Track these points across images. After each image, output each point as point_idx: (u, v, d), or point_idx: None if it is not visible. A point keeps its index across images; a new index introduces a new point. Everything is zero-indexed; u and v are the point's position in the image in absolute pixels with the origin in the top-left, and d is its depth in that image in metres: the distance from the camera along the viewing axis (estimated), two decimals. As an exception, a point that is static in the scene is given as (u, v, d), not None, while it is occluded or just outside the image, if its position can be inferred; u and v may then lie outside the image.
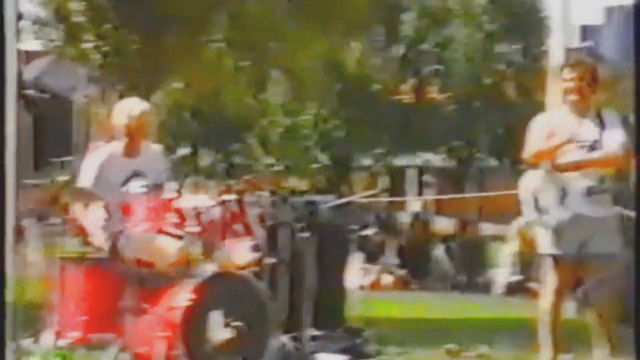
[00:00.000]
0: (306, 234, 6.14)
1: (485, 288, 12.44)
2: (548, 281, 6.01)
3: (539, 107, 9.97)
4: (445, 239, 15.44)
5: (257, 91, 22.82)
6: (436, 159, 25.68)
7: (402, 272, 13.93)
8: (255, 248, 5.98)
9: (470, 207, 20.74)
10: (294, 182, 24.79)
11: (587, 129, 5.99)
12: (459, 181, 24.44)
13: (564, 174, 5.92)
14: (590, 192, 5.86)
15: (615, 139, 5.94)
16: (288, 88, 23.50)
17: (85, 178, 6.25)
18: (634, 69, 4.71)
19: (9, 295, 4.00)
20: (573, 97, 6.02)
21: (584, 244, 5.86)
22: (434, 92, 23.94)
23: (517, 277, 12.37)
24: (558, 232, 5.88)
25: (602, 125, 5.99)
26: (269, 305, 5.81)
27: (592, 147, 5.97)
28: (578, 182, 5.90)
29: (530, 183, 6.02)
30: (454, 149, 24.54)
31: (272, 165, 23.77)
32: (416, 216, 17.14)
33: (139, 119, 6.25)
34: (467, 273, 14.25)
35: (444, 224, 16.45)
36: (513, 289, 12.23)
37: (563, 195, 5.90)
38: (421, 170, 29.17)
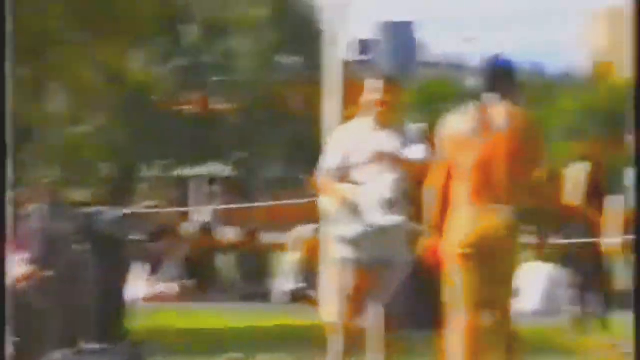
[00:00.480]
0: (85, 246, 6.03)
1: (269, 297, 12.61)
2: (341, 288, 6.16)
3: (318, 119, 10.22)
4: (231, 248, 15.53)
5: (36, 100, 22.12)
6: (223, 170, 25.80)
7: (187, 282, 13.89)
8: (32, 261, 5.82)
9: (258, 217, 20.96)
10: (76, 193, 24.20)
11: (390, 141, 6.10)
12: (245, 191, 24.64)
13: (361, 186, 6.08)
14: (385, 204, 6.04)
15: (419, 152, 6.11)
16: (69, 98, 22.93)
17: None
18: (634, 69, 4.96)
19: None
20: (376, 109, 6.13)
21: (378, 252, 6.05)
22: (218, 103, 24.03)
23: (300, 285, 12.62)
24: (353, 241, 6.06)
25: (404, 137, 6.14)
26: (46, 320, 5.67)
27: (396, 161, 6.08)
28: (373, 193, 6.07)
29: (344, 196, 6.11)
30: (239, 160, 24.74)
31: (51, 175, 23.11)
32: (202, 226, 17.14)
33: None
34: (251, 282, 14.38)
35: (230, 234, 16.55)
36: (295, 297, 12.47)
37: (359, 205, 6.05)
38: (208, 181, 29.20)
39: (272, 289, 13.02)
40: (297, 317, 9.79)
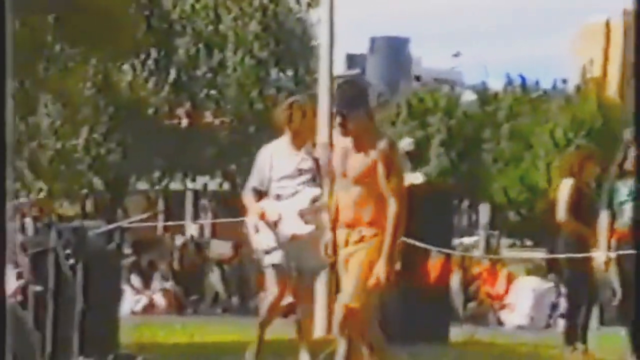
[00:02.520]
0: (73, 261, 6.02)
1: (257, 310, 12.56)
2: (268, 293, 7.09)
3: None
4: (219, 262, 15.50)
5: (26, 114, 22.08)
6: (212, 183, 25.77)
7: (176, 296, 13.87)
8: (19, 276, 5.81)
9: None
10: (66, 207, 24.13)
11: (305, 160, 6.91)
12: (234, 205, 24.59)
13: (279, 200, 6.87)
14: (302, 214, 6.78)
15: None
16: (58, 111, 22.91)
17: None
18: (634, 69, 5.19)
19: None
20: (290, 129, 6.96)
21: (298, 259, 6.87)
22: (208, 117, 24.02)
23: (289, 300, 12.59)
24: (271, 250, 6.86)
25: (314, 157, 6.94)
26: (34, 335, 5.65)
27: (312, 177, 6.90)
28: (292, 205, 6.80)
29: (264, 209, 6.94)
30: (229, 173, 24.71)
31: (41, 189, 23.05)
32: (192, 240, 17.12)
33: None
34: (240, 296, 14.37)
35: (219, 248, 16.53)
36: (285, 312, 12.43)
37: (279, 218, 6.82)
38: (197, 194, 29.15)
39: (260, 303, 12.99)
40: (286, 331, 9.77)
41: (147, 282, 14.16)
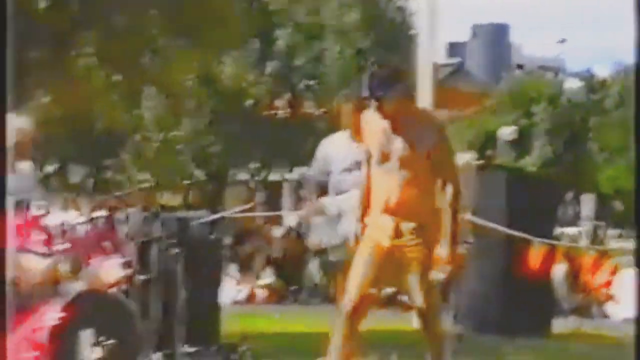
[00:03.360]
0: (177, 250, 6.10)
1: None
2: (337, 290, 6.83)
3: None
4: (319, 252, 15.53)
5: (130, 106, 22.51)
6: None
7: (277, 285, 13.96)
8: (126, 265, 5.91)
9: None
10: (168, 198, 24.55)
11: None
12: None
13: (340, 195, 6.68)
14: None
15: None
16: (162, 103, 23.29)
17: None
18: (634, 69, 5.06)
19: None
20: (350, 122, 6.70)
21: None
22: (308, 107, 24.11)
23: (390, 290, 12.53)
24: (331, 249, 6.78)
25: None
26: (139, 323, 5.74)
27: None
28: (352, 200, 6.51)
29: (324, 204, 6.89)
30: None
31: (145, 180, 23.47)
32: (291, 230, 17.20)
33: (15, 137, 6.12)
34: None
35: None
36: (386, 302, 12.38)
37: (339, 215, 6.68)
38: (298, 185, 29.32)
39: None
40: (387, 322, 9.74)
41: (247, 273, 14.29)
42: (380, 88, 5.35)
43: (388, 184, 5.40)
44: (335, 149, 6.93)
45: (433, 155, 5.33)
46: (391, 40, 23.58)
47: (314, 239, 7.06)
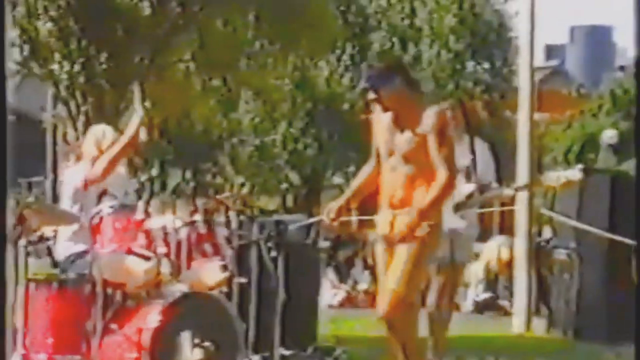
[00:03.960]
0: (275, 254, 6.13)
1: (457, 306, 12.39)
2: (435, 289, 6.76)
3: (508, 126, 10.04)
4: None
5: (227, 110, 22.78)
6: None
7: (373, 290, 13.92)
8: (225, 268, 5.96)
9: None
10: (264, 202, 24.73)
11: (463, 156, 6.63)
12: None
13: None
14: (457, 208, 6.63)
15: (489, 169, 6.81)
16: (258, 107, 23.50)
17: (65, 199, 6.23)
18: (634, 68, 5.02)
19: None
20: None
21: (452, 254, 6.66)
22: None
23: (487, 295, 12.40)
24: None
25: (473, 152, 6.77)
26: (238, 325, 5.79)
27: (467, 172, 6.75)
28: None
29: None
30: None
31: (242, 184, 23.71)
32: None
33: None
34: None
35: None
36: (483, 307, 12.25)
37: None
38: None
39: (460, 298, 12.81)
40: (485, 328, 9.63)
41: (343, 276, 14.29)
42: (378, 79, 5.24)
43: (394, 180, 5.27)
44: None
45: (429, 144, 5.15)
46: (488, 43, 23.34)
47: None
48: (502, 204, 9.94)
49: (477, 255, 12.82)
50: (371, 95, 5.28)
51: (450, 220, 6.56)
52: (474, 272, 12.48)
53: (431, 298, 6.92)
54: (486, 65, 23.51)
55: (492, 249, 12.56)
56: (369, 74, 5.39)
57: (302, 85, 23.17)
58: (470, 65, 23.40)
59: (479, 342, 8.15)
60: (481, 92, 23.08)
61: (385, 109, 5.28)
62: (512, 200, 9.31)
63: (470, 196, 6.83)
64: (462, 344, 8.04)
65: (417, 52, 23.35)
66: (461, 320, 10.59)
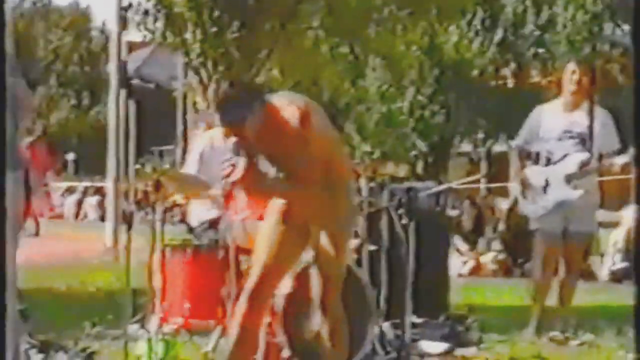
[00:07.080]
0: (405, 221, 6.09)
1: (590, 275, 12.10)
2: (539, 259, 7.17)
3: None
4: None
5: (354, 77, 22.77)
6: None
7: (503, 258, 13.73)
8: (355, 235, 5.96)
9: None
10: (391, 169, 24.68)
11: (576, 123, 6.81)
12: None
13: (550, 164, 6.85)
14: (569, 179, 6.73)
15: (610, 137, 6.84)
16: (385, 74, 23.39)
17: (190, 165, 6.32)
18: (634, 68, 4.79)
19: (10, 298, 4.03)
20: (571, 90, 6.89)
21: (567, 225, 6.84)
22: (535, 77, 23.51)
23: (624, 264, 12.05)
24: (544, 217, 6.90)
25: (591, 119, 6.81)
26: (369, 292, 5.79)
27: (582, 141, 6.79)
28: (560, 170, 6.79)
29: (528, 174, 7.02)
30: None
31: (370, 152, 23.70)
32: (516, 202, 16.85)
33: None
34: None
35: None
36: (619, 276, 11.93)
37: (546, 185, 6.84)
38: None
39: (594, 267, 12.50)
40: (618, 297, 9.37)
41: (472, 245, 14.14)
42: (235, 112, 4.57)
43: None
44: (547, 117, 6.95)
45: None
46: (627, 4, 22.54)
47: (523, 208, 7.20)
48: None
49: (616, 224, 12.49)
50: (229, 132, 4.71)
51: (558, 193, 6.66)
52: (613, 240, 12.15)
53: (560, 270, 7.07)
54: (625, 27, 22.69)
55: (631, 217, 12.19)
56: (225, 109, 4.65)
57: (430, 51, 22.92)
58: (608, 27, 22.60)
59: (614, 312, 7.93)
60: (619, 56, 22.32)
61: (248, 141, 4.64)
62: None
63: (584, 165, 6.74)
64: (597, 314, 7.86)
65: (551, 14, 22.71)
66: (597, 290, 10.38)
